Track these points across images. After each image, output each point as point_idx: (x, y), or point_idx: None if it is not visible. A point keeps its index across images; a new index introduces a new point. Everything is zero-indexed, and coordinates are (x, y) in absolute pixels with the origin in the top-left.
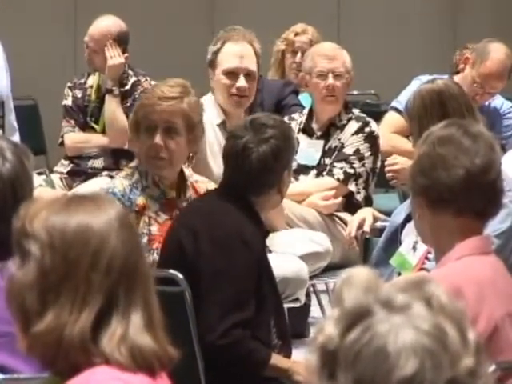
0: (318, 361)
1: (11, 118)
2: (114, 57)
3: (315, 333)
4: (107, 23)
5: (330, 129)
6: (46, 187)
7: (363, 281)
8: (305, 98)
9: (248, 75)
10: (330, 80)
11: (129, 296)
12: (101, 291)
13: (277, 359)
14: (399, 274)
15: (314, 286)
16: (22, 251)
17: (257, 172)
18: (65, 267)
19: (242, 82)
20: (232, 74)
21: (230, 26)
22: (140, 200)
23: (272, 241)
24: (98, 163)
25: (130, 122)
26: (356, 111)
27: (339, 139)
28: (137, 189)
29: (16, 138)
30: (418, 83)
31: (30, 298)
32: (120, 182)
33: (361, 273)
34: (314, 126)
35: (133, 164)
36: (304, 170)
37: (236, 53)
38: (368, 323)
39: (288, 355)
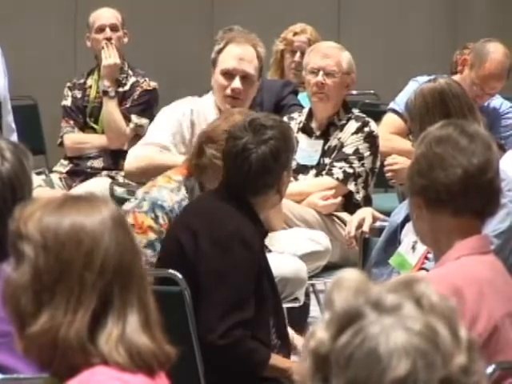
0: (310, 365)
1: (9, 119)
2: (110, 57)
3: (307, 337)
4: (109, 9)
5: (330, 128)
6: (45, 187)
7: (353, 283)
8: (304, 98)
9: (244, 78)
10: (319, 77)
11: (124, 296)
12: (95, 291)
13: (276, 359)
14: (399, 273)
15: (313, 285)
16: (17, 252)
17: (256, 173)
18: (58, 268)
19: (236, 83)
20: (229, 74)
21: (229, 26)
22: None
23: (271, 240)
24: (98, 163)
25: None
26: (355, 111)
27: (339, 138)
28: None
29: (14, 138)
30: (416, 84)
31: (25, 299)
32: (169, 196)
33: (350, 275)
34: (314, 125)
35: (179, 178)
36: (303, 169)
37: (236, 54)
38: (359, 325)
39: (287, 355)
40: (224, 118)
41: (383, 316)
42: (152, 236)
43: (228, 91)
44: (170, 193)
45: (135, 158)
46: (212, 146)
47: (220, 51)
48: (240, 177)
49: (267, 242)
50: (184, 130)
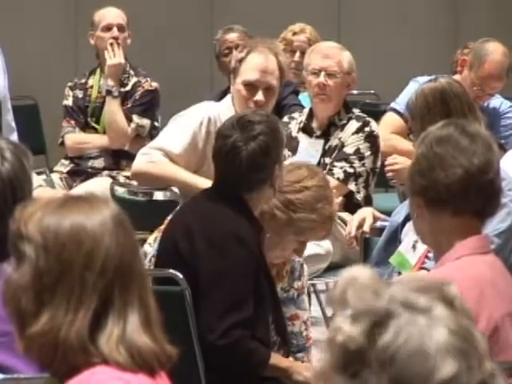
0: (337, 360)
1: (9, 118)
2: (114, 57)
3: (331, 331)
4: (114, 8)
5: (330, 128)
6: (46, 187)
7: (368, 281)
8: (304, 98)
9: (267, 89)
10: (321, 78)
11: (124, 296)
12: (96, 292)
13: (276, 359)
14: (399, 273)
15: (314, 285)
16: (18, 253)
17: (247, 170)
18: (59, 268)
19: (259, 96)
20: (251, 86)
21: (229, 26)
22: None
23: None
24: (98, 163)
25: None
26: (356, 111)
27: (339, 138)
28: None
29: (14, 137)
30: (416, 85)
31: (26, 299)
32: None
33: (363, 272)
34: (314, 125)
35: None
36: None
37: (258, 65)
38: (396, 324)
39: (287, 351)
40: (289, 170)
41: (418, 316)
42: None
43: (251, 103)
44: None
45: (147, 161)
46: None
47: (242, 60)
48: (232, 175)
49: None
50: (198, 140)
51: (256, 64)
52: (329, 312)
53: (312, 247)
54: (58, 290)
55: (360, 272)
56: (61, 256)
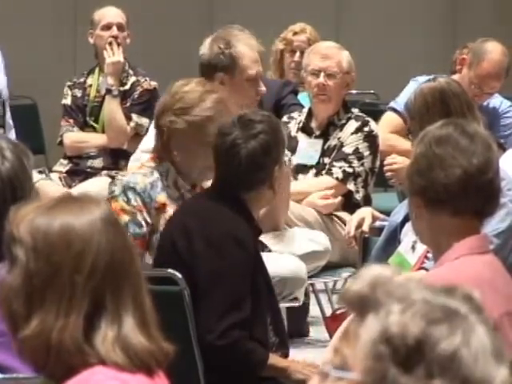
0: (389, 352)
1: (7, 117)
2: (114, 55)
3: (380, 320)
4: (114, 8)
5: (329, 128)
6: (47, 180)
7: (399, 279)
8: (304, 98)
9: (261, 78)
10: (321, 79)
11: (117, 297)
12: (87, 293)
13: (275, 359)
14: None
15: (312, 285)
16: (11, 255)
17: (246, 168)
18: (49, 270)
19: (263, 86)
20: (255, 81)
21: (227, 25)
22: (160, 198)
23: (271, 240)
24: (97, 163)
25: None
26: (355, 110)
27: (338, 138)
28: (157, 187)
29: (12, 135)
30: (416, 84)
31: (17, 302)
32: (142, 179)
33: (388, 271)
34: (313, 125)
35: (151, 164)
36: (303, 169)
37: (253, 58)
38: (464, 323)
39: (285, 352)
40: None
41: (477, 316)
42: (125, 218)
43: (258, 97)
44: (142, 176)
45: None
46: (166, 115)
47: (237, 56)
48: (231, 173)
49: (269, 241)
50: None
51: (251, 57)
52: (328, 311)
53: (310, 244)
54: (47, 292)
55: (384, 271)
56: (50, 257)
